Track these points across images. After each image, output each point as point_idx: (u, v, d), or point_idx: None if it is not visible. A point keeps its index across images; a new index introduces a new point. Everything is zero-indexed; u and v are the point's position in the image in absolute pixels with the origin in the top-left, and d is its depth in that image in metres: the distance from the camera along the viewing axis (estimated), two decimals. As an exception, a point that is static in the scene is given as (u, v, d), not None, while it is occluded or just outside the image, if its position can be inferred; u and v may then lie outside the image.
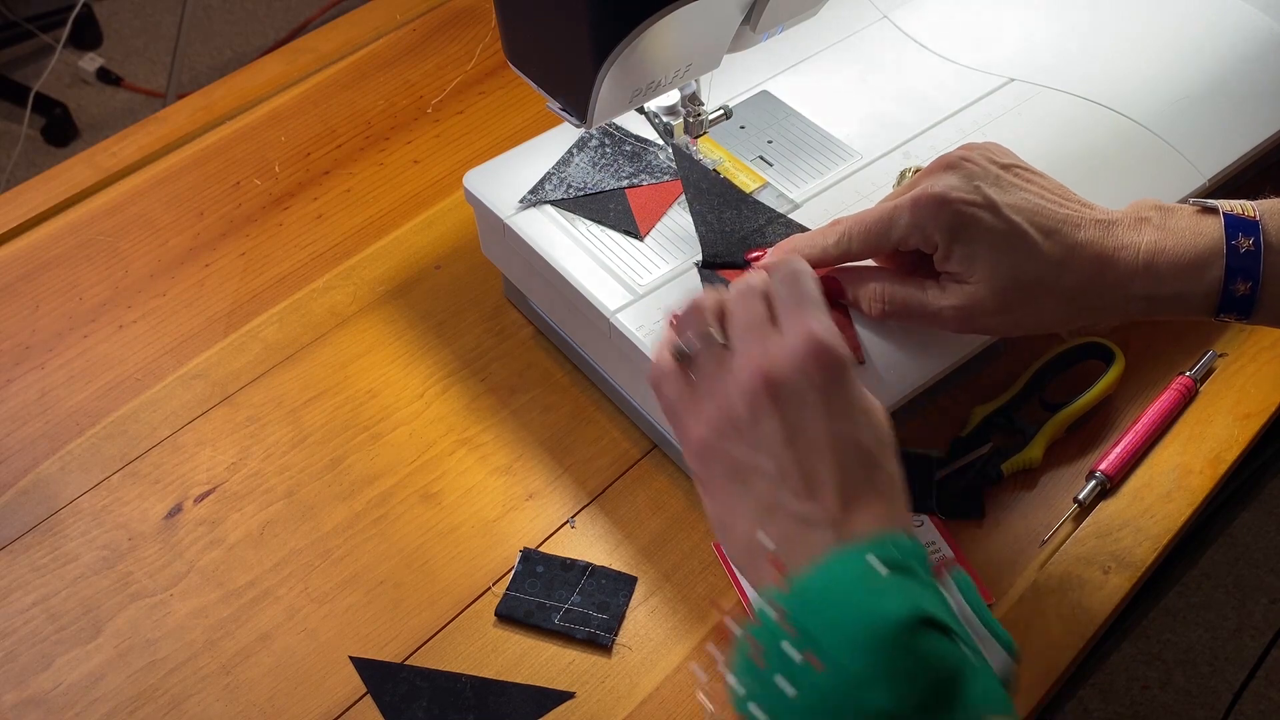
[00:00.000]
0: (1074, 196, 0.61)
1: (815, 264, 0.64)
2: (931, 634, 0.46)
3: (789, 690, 0.45)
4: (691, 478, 0.56)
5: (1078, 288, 0.59)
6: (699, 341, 0.55)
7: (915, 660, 0.45)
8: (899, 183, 0.64)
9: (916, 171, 0.64)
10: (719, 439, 0.53)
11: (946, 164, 0.61)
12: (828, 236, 0.63)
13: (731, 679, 0.48)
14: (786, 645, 0.46)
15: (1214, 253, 0.58)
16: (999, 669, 0.48)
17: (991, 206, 0.58)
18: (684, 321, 0.57)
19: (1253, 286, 0.58)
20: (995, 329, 0.62)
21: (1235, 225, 0.58)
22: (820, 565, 0.48)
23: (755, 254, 0.68)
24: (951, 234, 0.59)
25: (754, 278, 0.57)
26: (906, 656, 0.45)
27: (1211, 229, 0.59)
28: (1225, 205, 0.59)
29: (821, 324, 0.53)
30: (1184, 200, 0.62)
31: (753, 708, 0.46)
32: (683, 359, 0.55)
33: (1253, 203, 0.60)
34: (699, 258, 0.69)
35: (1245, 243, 0.58)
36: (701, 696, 0.50)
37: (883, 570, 0.47)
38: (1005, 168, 0.61)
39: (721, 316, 0.56)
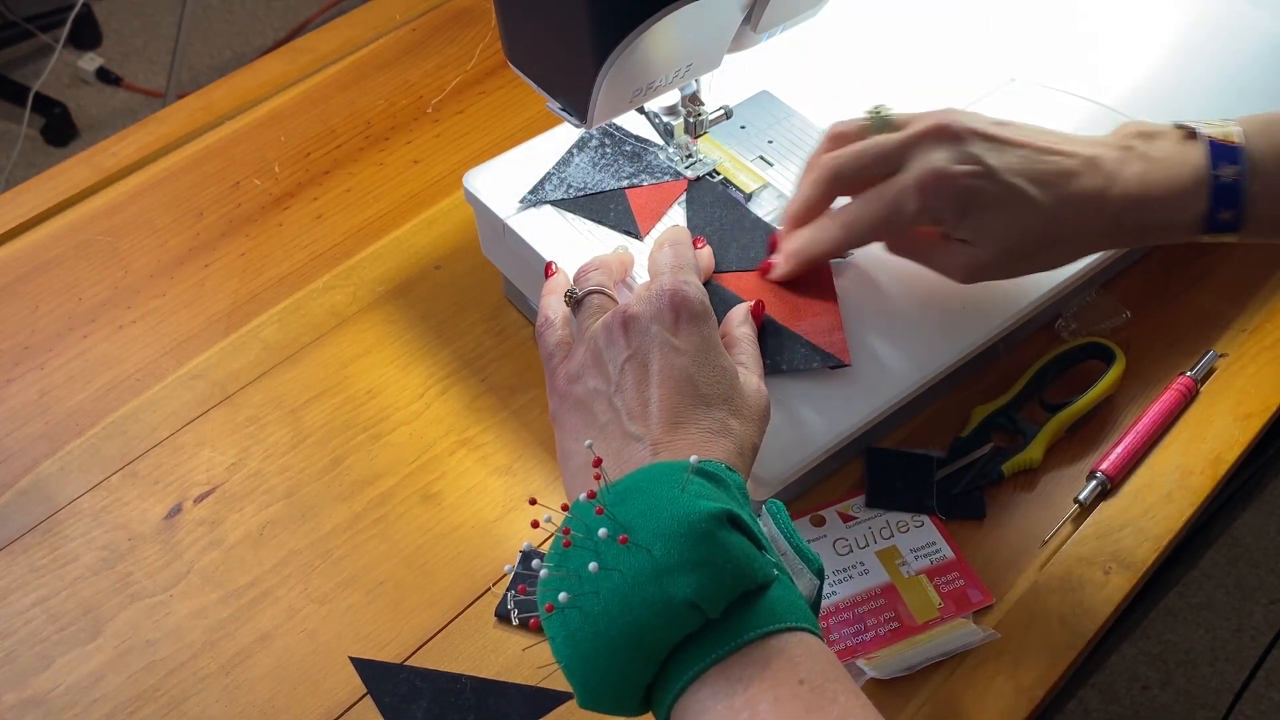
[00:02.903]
0: (1057, 141, 0.62)
1: (820, 258, 0.66)
2: (738, 534, 0.47)
3: (594, 568, 0.46)
4: (551, 420, 0.59)
5: (1076, 228, 0.61)
6: (587, 290, 0.60)
7: (721, 553, 0.46)
8: (872, 120, 0.64)
9: (881, 112, 0.65)
10: (579, 373, 0.57)
11: (936, 134, 0.61)
12: (829, 230, 0.64)
13: (540, 566, 0.49)
14: (599, 530, 0.47)
15: (1198, 181, 0.60)
16: (806, 590, 0.50)
17: (991, 174, 0.60)
18: (581, 273, 0.62)
19: (1237, 212, 0.60)
20: (1005, 276, 0.64)
21: (1219, 153, 0.60)
22: (637, 469, 0.50)
23: (761, 268, 0.68)
24: (961, 209, 0.61)
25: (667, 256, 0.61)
26: (714, 547, 0.46)
27: (1195, 157, 0.60)
28: (1208, 129, 0.61)
29: (689, 281, 0.57)
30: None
31: (560, 596, 0.47)
32: (571, 304, 0.60)
33: (1235, 123, 0.61)
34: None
35: (1229, 171, 0.59)
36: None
37: (697, 476, 0.49)
38: (991, 129, 0.62)
39: (602, 267, 0.62)
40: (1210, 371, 0.75)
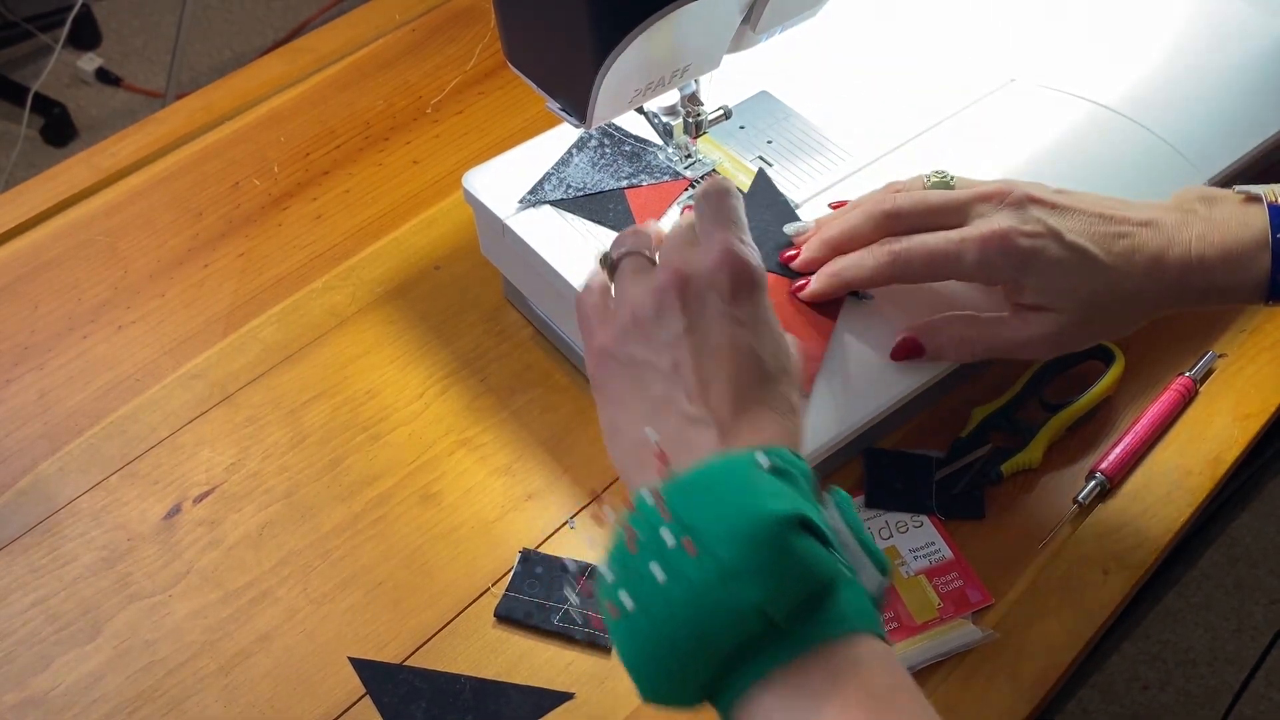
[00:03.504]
0: (1116, 206, 0.62)
1: (859, 285, 0.64)
2: (808, 538, 0.45)
3: (660, 576, 0.45)
4: (591, 387, 0.56)
5: (1139, 291, 0.60)
6: (624, 250, 0.57)
7: (790, 559, 0.44)
8: (932, 181, 0.64)
9: (944, 177, 0.64)
10: (623, 338, 0.54)
11: (999, 197, 0.61)
12: (879, 258, 0.62)
13: (602, 566, 0.47)
14: (664, 531, 0.45)
15: (1260, 244, 0.59)
16: (872, 587, 0.48)
17: (1055, 235, 0.59)
18: (620, 238, 0.59)
19: None
20: (1076, 345, 0.63)
21: (1279, 215, 0.59)
22: (702, 462, 0.48)
23: (790, 253, 0.67)
24: (1022, 268, 0.60)
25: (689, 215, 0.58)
26: (782, 554, 0.44)
27: (1257, 219, 0.59)
28: (1271, 194, 0.60)
29: (739, 240, 0.54)
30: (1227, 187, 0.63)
31: (622, 595, 0.46)
32: (606, 267, 0.57)
33: None
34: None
35: None
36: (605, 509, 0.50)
37: (766, 472, 0.47)
38: (1052, 196, 0.61)
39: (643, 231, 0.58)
40: (1209, 372, 0.75)
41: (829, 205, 0.69)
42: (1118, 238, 0.60)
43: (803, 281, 0.66)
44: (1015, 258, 0.60)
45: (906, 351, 0.64)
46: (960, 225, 0.62)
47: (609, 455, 0.55)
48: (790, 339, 0.56)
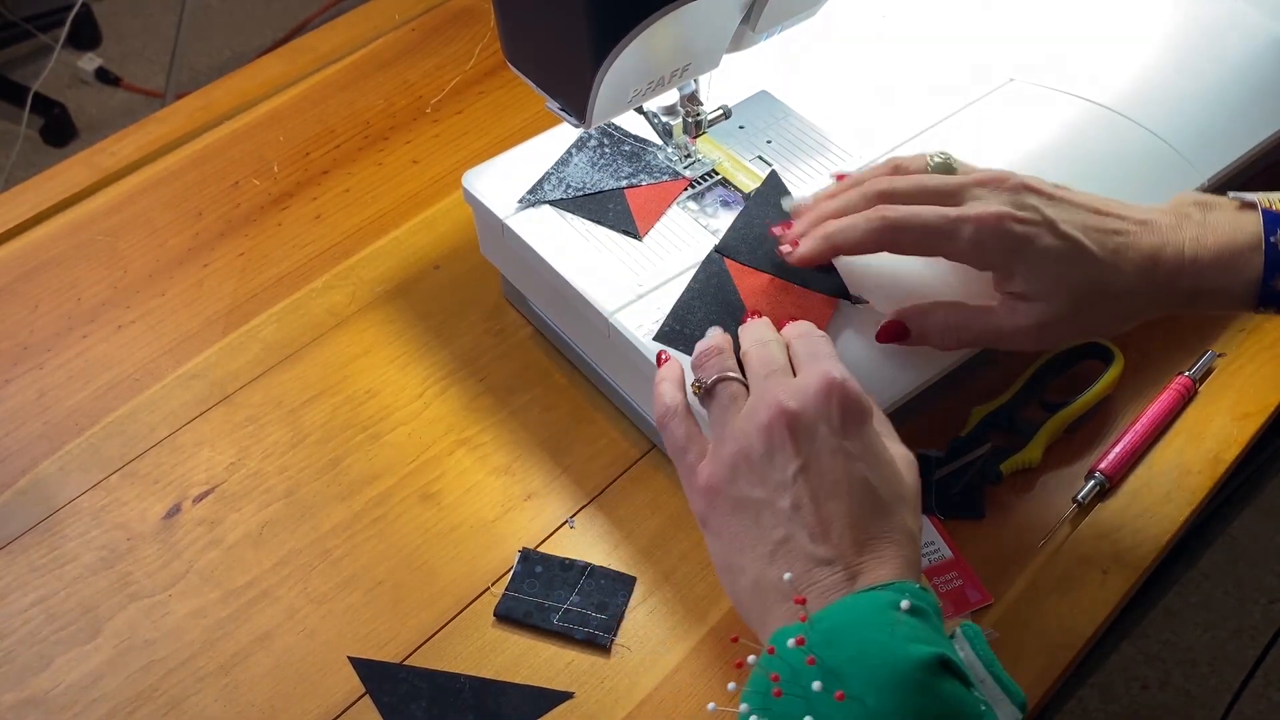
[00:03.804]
0: (1113, 205, 0.62)
1: (849, 249, 0.63)
2: (951, 679, 0.46)
3: None
4: (698, 521, 0.56)
5: (1129, 289, 0.60)
6: (716, 377, 0.56)
7: (936, 702, 0.45)
8: (934, 162, 0.64)
9: (947, 158, 0.64)
10: (731, 475, 0.53)
11: (996, 183, 0.61)
12: (871, 222, 0.62)
13: (744, 708, 0.47)
14: (814, 684, 0.45)
15: (1253, 249, 0.59)
16: None
17: (1050, 224, 0.59)
18: (702, 358, 0.58)
19: None
20: (1063, 340, 0.64)
21: (1274, 221, 0.59)
22: (839, 603, 0.48)
23: (781, 229, 0.67)
24: (1013, 254, 0.59)
25: (767, 331, 0.59)
26: (928, 698, 0.45)
27: (1251, 225, 0.59)
28: (1265, 200, 0.60)
29: (839, 369, 0.54)
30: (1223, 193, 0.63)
31: None
32: (701, 394, 0.57)
33: None
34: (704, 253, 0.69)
35: None
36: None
37: (903, 613, 0.47)
38: (1049, 188, 0.61)
39: (729, 350, 0.58)
40: (1209, 371, 0.75)
41: (832, 175, 0.68)
42: (1112, 234, 0.60)
43: (792, 244, 0.65)
44: (1008, 241, 0.59)
45: (892, 334, 0.63)
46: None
47: (727, 594, 0.54)
48: (903, 457, 0.55)
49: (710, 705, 0.50)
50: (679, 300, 0.67)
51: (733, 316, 0.65)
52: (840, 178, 0.67)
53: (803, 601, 0.48)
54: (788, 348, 0.58)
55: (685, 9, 0.59)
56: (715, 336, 0.61)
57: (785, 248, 0.65)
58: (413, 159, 0.92)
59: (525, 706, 0.62)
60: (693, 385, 0.58)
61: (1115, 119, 0.76)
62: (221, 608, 0.67)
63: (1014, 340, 0.62)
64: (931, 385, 0.67)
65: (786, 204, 0.69)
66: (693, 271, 0.68)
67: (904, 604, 0.47)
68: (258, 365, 0.78)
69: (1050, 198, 0.61)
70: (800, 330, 0.59)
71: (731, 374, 0.57)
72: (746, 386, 0.57)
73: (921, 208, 0.61)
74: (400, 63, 0.99)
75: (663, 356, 0.62)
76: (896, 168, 0.65)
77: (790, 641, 0.47)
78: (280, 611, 0.66)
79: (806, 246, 0.64)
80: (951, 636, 0.50)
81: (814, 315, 0.65)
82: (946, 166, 0.64)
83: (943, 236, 0.60)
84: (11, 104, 2.17)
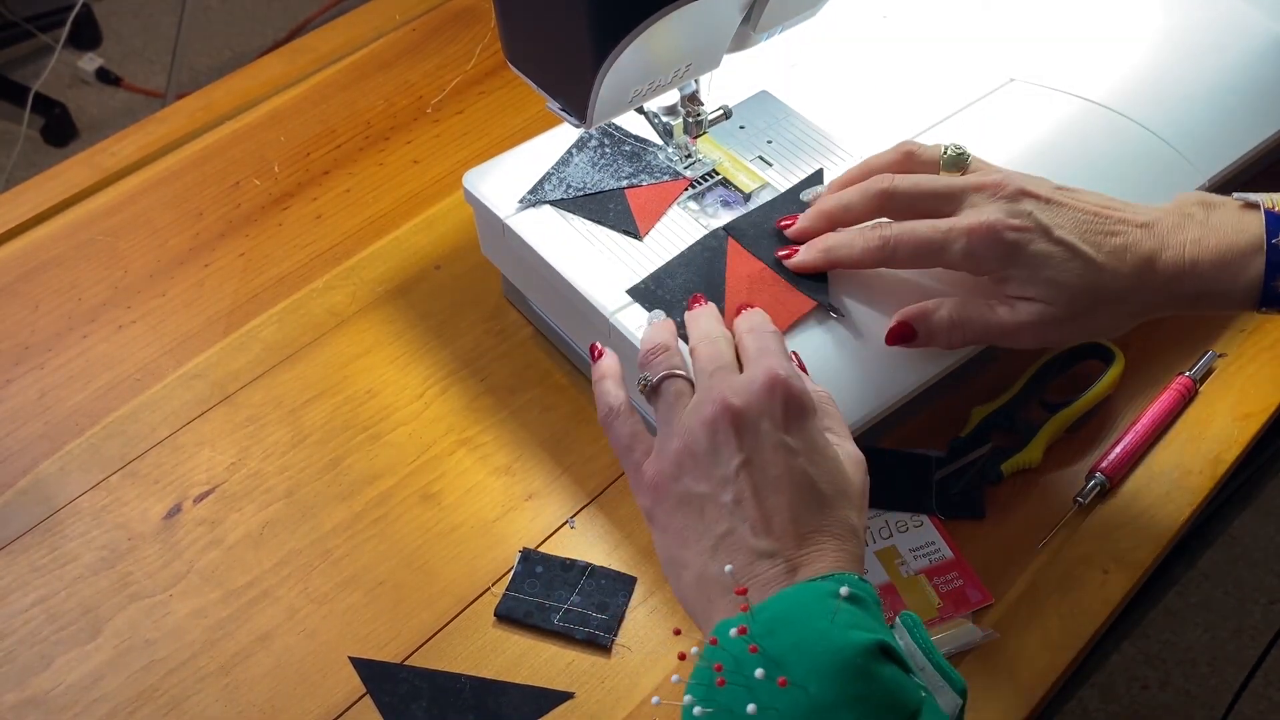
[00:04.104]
0: (1115, 205, 0.62)
1: (847, 265, 0.65)
2: (891, 665, 0.46)
3: (751, 710, 0.45)
4: (644, 517, 0.56)
5: (1129, 290, 0.60)
6: (661, 374, 0.57)
7: (878, 689, 0.45)
8: (946, 155, 0.64)
9: (956, 153, 0.65)
10: (676, 471, 0.54)
11: (995, 189, 0.61)
12: (869, 240, 0.63)
13: (687, 699, 0.47)
14: (757, 671, 0.46)
15: (1255, 249, 0.59)
16: (949, 708, 0.49)
17: (1043, 230, 0.60)
18: (649, 355, 0.58)
19: None
20: (1064, 339, 0.64)
21: (1276, 223, 0.59)
22: (780, 594, 0.49)
23: (786, 222, 0.68)
24: (1008, 260, 0.60)
25: (715, 325, 0.59)
26: (870, 684, 0.45)
27: (1253, 225, 0.60)
28: (1268, 201, 0.60)
29: (785, 366, 0.54)
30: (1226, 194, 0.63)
31: None
32: (646, 391, 0.57)
33: None
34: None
35: None
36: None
37: (842, 601, 0.48)
38: (1049, 192, 0.62)
39: (672, 348, 0.58)
40: (1209, 371, 0.75)
41: (775, 252, 0.68)
42: (1110, 236, 0.60)
43: (791, 249, 0.66)
44: (1000, 249, 0.60)
45: (899, 336, 0.64)
46: (952, 213, 0.62)
47: (671, 589, 0.55)
48: (850, 455, 0.55)
49: (655, 699, 0.49)
50: (666, 263, 0.68)
51: (711, 293, 0.65)
52: (781, 254, 0.67)
53: (744, 593, 0.49)
54: (737, 342, 0.58)
55: (686, 9, 0.59)
56: (661, 331, 0.61)
57: (784, 252, 0.66)
58: (413, 159, 0.92)
59: (526, 706, 0.62)
60: (638, 383, 0.58)
61: (1115, 119, 0.76)
62: (222, 608, 0.67)
63: (1017, 338, 0.62)
64: (932, 385, 0.67)
65: (806, 195, 0.69)
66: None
67: (843, 590, 0.48)
68: (258, 365, 0.78)
69: (1047, 202, 0.61)
70: (751, 324, 0.59)
71: (678, 371, 0.57)
72: (691, 383, 0.57)
73: (917, 224, 0.62)
74: (401, 63, 0.99)
75: (596, 350, 0.62)
76: (909, 155, 0.66)
77: (732, 631, 0.47)
78: (281, 611, 0.66)
79: (805, 255, 0.65)
80: (891, 626, 0.50)
81: (787, 311, 0.65)
82: (959, 160, 0.65)
83: (936, 249, 0.61)
84: (12, 104, 2.17)
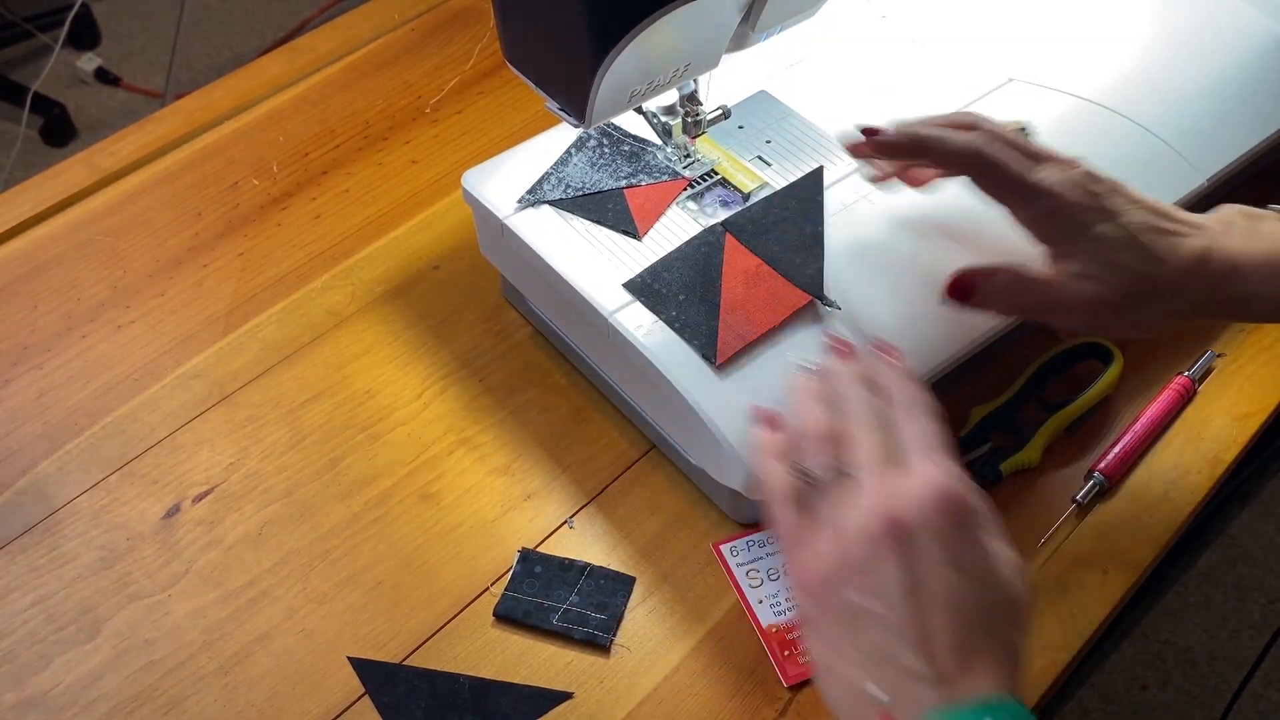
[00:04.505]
0: (1165, 206, 0.62)
1: (935, 156, 0.64)
2: None
3: None
4: (800, 616, 0.55)
5: (1182, 285, 0.61)
6: (821, 471, 0.55)
7: None
8: (1015, 128, 0.65)
9: (1020, 127, 0.65)
10: (835, 578, 0.52)
11: (1068, 166, 0.62)
12: (969, 140, 0.62)
13: None
14: None
15: None
16: None
17: (1112, 213, 0.60)
18: (811, 442, 0.56)
19: None
20: (1113, 327, 0.63)
21: None
22: (929, 718, 0.48)
23: (871, 128, 0.65)
24: (1077, 233, 0.61)
25: (867, 404, 0.56)
26: None
27: None
28: None
29: (949, 469, 0.53)
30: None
31: None
32: (802, 479, 0.55)
33: None
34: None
35: None
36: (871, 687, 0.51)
37: None
38: (1111, 181, 0.62)
39: (836, 437, 0.56)
40: (1208, 371, 0.75)
41: (858, 128, 0.66)
42: (1165, 233, 0.61)
43: (875, 125, 0.65)
44: (1076, 218, 0.60)
45: (960, 289, 0.65)
46: None
47: (820, 690, 0.53)
48: (1010, 562, 0.53)
49: (569, 522, 0.47)
50: (663, 257, 0.68)
51: (707, 287, 0.66)
52: (868, 131, 0.66)
53: (887, 718, 0.49)
54: (879, 392, 0.57)
55: (685, 9, 0.59)
56: (819, 417, 0.57)
57: (867, 127, 0.65)
58: (412, 159, 0.92)
59: (525, 706, 0.62)
60: (799, 472, 0.56)
61: (1115, 119, 0.76)
62: (221, 608, 0.67)
63: (1068, 317, 0.63)
64: (931, 384, 0.67)
65: (845, 135, 0.67)
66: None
67: None
68: (257, 365, 0.78)
69: (1113, 190, 0.62)
70: (900, 393, 0.57)
71: (843, 469, 0.55)
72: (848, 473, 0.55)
73: (1006, 146, 0.62)
74: (400, 63, 0.99)
75: (764, 418, 0.60)
76: (974, 124, 0.65)
77: None
78: (280, 611, 0.66)
79: (894, 132, 0.64)
80: None
81: (785, 307, 0.66)
82: (1023, 134, 0.64)
83: (1023, 191, 0.61)
84: (11, 104, 2.18)
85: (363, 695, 0.63)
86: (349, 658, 0.64)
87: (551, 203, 0.72)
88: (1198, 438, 0.72)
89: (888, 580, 0.51)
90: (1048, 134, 0.75)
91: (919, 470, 0.53)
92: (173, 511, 0.71)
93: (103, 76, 2.30)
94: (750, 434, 0.60)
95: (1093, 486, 0.69)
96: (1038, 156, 0.62)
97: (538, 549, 0.68)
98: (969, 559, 0.51)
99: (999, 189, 0.63)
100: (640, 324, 0.66)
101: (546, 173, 0.74)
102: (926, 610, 0.50)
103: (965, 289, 0.65)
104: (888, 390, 0.58)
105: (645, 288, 0.67)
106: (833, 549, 0.53)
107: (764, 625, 0.64)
